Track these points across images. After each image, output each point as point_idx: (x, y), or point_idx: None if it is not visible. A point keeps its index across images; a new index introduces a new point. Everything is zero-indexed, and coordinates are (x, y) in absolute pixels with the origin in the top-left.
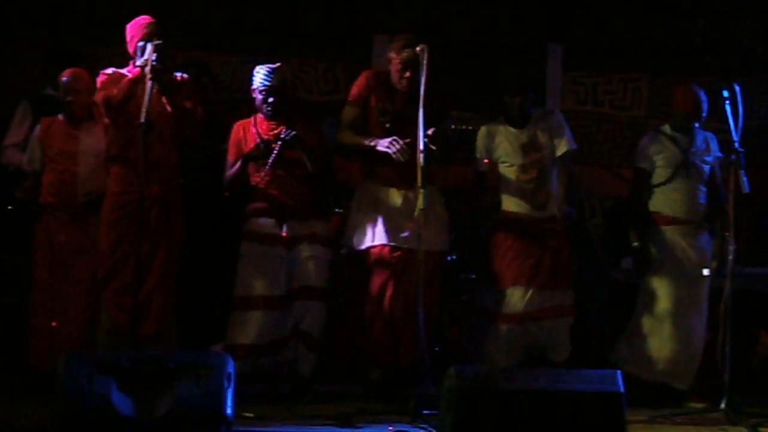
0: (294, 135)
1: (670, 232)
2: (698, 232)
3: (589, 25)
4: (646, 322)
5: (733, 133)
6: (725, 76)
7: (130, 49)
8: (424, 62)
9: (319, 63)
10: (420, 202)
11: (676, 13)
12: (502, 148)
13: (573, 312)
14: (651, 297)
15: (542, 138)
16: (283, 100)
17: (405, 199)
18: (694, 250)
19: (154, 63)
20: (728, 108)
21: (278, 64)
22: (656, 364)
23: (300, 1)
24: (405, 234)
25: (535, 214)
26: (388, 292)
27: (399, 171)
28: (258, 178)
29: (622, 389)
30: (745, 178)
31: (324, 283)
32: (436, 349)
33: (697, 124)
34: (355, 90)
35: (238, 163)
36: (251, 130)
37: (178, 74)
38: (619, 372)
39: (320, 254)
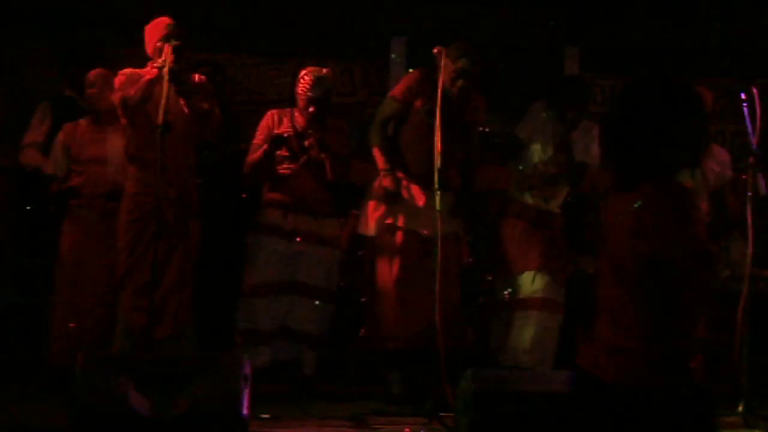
0: (322, 142)
1: None
2: None
3: (606, 28)
4: None
5: (751, 136)
6: (743, 78)
7: (149, 50)
8: (441, 64)
9: (336, 65)
10: (437, 204)
11: (694, 15)
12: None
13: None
14: None
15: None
16: (325, 109)
17: (426, 197)
18: None
19: (171, 64)
20: (746, 110)
21: (325, 71)
22: None
23: (317, 2)
24: (419, 223)
25: (542, 206)
26: (395, 275)
27: (425, 170)
28: (282, 168)
29: None
30: (763, 181)
31: (323, 282)
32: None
33: None
34: (403, 86)
35: (266, 145)
36: (286, 121)
37: (196, 75)
38: None
39: (324, 255)
